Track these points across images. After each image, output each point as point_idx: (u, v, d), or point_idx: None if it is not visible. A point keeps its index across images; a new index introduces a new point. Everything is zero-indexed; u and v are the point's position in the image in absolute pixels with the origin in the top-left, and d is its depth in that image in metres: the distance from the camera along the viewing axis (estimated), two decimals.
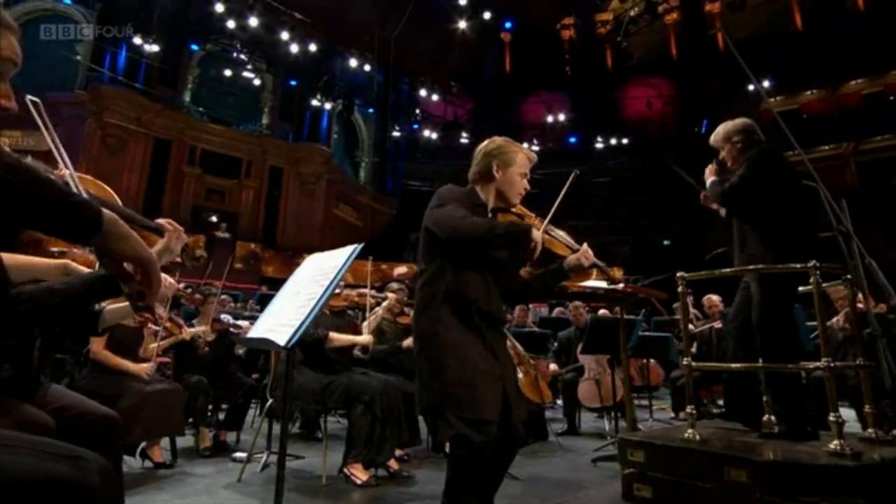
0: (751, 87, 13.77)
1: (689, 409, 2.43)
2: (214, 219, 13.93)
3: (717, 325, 4.67)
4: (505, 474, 1.89)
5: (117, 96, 13.30)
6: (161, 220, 1.33)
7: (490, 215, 1.92)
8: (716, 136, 2.79)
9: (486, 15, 16.87)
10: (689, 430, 2.38)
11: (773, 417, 2.86)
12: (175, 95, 14.70)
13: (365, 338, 3.14)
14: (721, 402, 5.18)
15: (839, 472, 2.02)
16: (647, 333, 5.58)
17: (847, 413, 3.36)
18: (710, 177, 2.75)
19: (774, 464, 2.08)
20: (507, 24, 19.26)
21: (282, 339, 1.53)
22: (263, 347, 3.32)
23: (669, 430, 2.95)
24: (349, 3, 15.47)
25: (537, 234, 1.75)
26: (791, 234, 2.38)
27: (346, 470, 2.90)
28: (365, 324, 3.59)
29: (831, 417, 2.17)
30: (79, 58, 13.52)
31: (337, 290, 3.54)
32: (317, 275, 1.72)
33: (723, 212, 2.84)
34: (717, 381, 4.55)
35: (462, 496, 1.68)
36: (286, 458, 3.37)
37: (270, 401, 3.22)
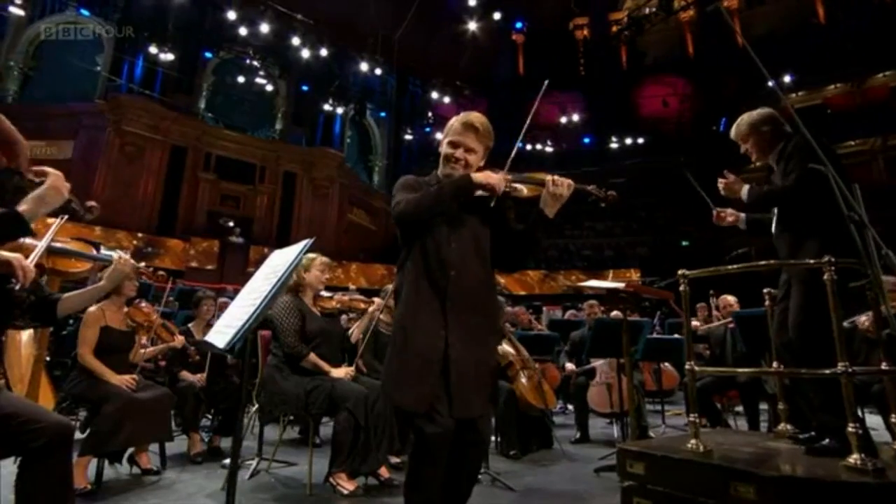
0: (770, 83, 13.35)
1: (691, 417, 2.23)
2: (231, 224, 14.05)
3: (732, 324, 4.43)
4: (471, 480, 1.78)
5: (135, 105, 13.60)
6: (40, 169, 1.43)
7: None
8: (738, 129, 2.55)
9: (497, 16, 16.75)
10: (693, 441, 2.18)
11: (789, 426, 2.65)
12: (191, 103, 14.95)
13: (342, 370, 3.02)
14: (738, 409, 4.93)
15: (859, 490, 1.81)
16: (661, 336, 5.36)
17: (874, 420, 3.12)
18: (736, 189, 2.47)
19: (785, 479, 1.89)
20: (518, 25, 19.12)
21: (222, 341, 1.43)
22: (212, 350, 3.22)
23: (672, 440, 2.75)
24: (359, 7, 15.51)
25: (482, 176, 1.72)
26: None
27: (331, 479, 2.79)
28: (353, 328, 3.47)
29: (850, 428, 1.96)
30: (98, 69, 13.85)
31: (328, 294, 3.45)
32: (270, 272, 1.61)
33: (742, 225, 2.63)
34: (733, 386, 4.30)
35: (418, 491, 1.62)
36: (277, 466, 3.31)
37: (256, 405, 3.13)
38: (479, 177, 1.76)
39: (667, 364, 5.49)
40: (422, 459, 1.60)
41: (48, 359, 4.24)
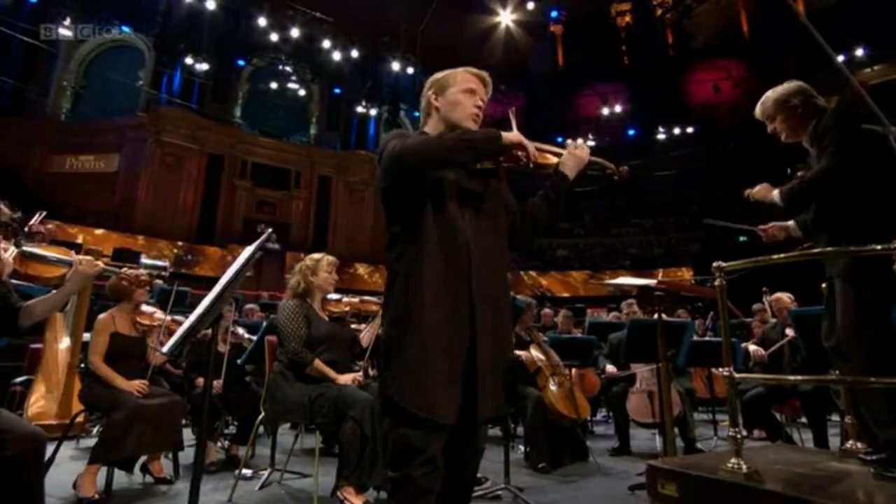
0: (840, 59, 12.20)
1: (731, 431, 1.88)
2: (271, 230, 14.37)
3: (790, 332, 3.94)
4: (469, 488, 1.56)
5: (173, 116, 14.17)
6: None
7: None
8: (763, 106, 2.23)
9: (531, 5, 16.29)
10: (734, 460, 1.83)
11: (858, 444, 2.25)
12: (226, 111, 15.43)
13: (348, 377, 2.83)
14: (803, 420, 4.39)
15: None
16: (710, 339, 4.88)
17: None
18: (767, 197, 2.16)
19: None
20: (554, 14, 18.55)
21: (167, 346, 1.31)
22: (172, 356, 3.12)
23: (715, 457, 2.39)
24: (388, 6, 15.49)
25: (514, 135, 1.42)
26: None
27: (338, 493, 2.62)
28: (365, 330, 3.29)
29: None
30: (140, 83, 14.57)
31: (337, 296, 3.30)
32: (229, 271, 1.46)
33: (796, 233, 2.29)
34: (794, 395, 3.82)
35: None
36: (291, 476, 3.19)
37: (262, 414, 3.01)
38: (511, 136, 1.42)
39: (722, 369, 4.98)
40: (408, 497, 1.33)
41: (82, 366, 4.36)
